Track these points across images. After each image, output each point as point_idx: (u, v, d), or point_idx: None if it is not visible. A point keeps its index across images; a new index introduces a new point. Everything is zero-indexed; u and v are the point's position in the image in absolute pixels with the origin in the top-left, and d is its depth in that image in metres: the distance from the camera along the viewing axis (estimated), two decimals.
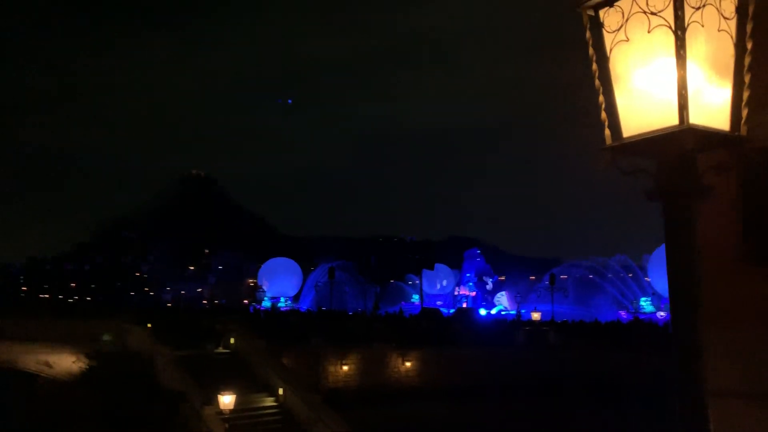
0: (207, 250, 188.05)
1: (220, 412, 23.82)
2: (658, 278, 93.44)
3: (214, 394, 24.38)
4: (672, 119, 2.01)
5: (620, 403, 36.64)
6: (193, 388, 26.79)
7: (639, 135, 2.13)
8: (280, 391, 29.23)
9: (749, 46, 2.12)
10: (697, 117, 2.01)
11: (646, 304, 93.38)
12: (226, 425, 23.68)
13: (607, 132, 2.23)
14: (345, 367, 39.72)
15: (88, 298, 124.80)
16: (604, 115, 2.23)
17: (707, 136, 2.05)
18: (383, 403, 35.99)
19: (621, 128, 2.19)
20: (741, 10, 2.12)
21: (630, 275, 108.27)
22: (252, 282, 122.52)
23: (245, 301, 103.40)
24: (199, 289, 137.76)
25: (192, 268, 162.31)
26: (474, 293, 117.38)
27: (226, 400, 23.19)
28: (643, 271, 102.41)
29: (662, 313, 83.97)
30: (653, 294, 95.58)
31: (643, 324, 62.97)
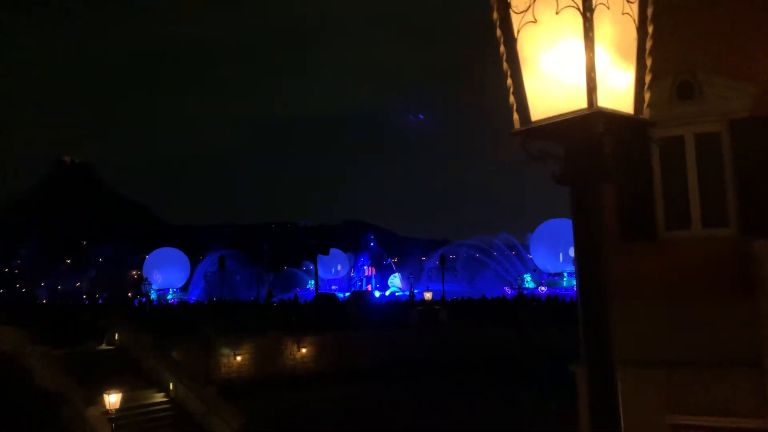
0: (84, 242, 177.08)
1: (106, 412, 22.57)
2: (539, 255, 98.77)
3: (98, 393, 23.05)
4: (581, 102, 1.99)
5: (510, 375, 38.44)
6: (74, 389, 25.22)
7: (548, 119, 2.09)
8: (171, 386, 28.20)
9: (650, 30, 2.14)
10: (605, 100, 2.00)
11: (528, 279, 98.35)
12: (113, 425, 22.50)
13: (516, 116, 2.19)
14: (239, 358, 38.89)
15: None
16: (512, 98, 2.18)
17: (614, 120, 2.05)
18: (279, 390, 35.67)
19: (529, 112, 2.16)
20: None
21: (513, 253, 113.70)
22: (136, 274, 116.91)
23: (130, 295, 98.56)
24: (78, 284, 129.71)
25: (69, 261, 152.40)
26: (373, 270, 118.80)
27: (112, 399, 22.01)
28: (526, 248, 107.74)
29: (543, 288, 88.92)
30: (534, 270, 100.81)
31: (527, 298, 66.38)
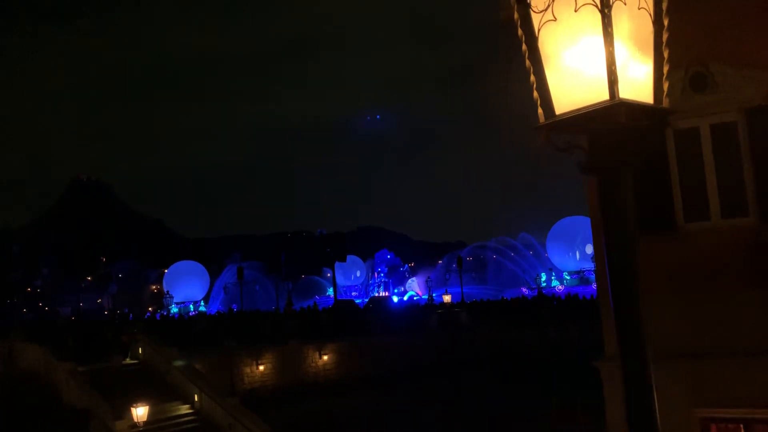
0: (104, 259, 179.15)
1: (134, 425, 22.86)
2: (556, 253, 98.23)
3: (126, 407, 23.35)
4: (603, 95, 2.09)
5: (532, 374, 38.28)
6: (101, 404, 25.51)
7: (571, 111, 2.19)
8: (196, 398, 28.43)
9: (666, 22, 2.24)
10: (626, 91, 2.10)
11: (545, 278, 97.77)
12: None
13: (540, 110, 2.28)
14: (261, 367, 39.10)
15: None
16: (536, 94, 2.28)
17: (635, 110, 2.15)
18: (302, 398, 35.82)
19: (553, 106, 2.25)
20: None
21: (531, 252, 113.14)
22: (155, 288, 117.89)
23: (150, 309, 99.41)
24: (99, 300, 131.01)
25: (89, 278, 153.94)
26: (386, 281, 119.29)
27: (140, 412, 22.32)
28: (544, 247, 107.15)
29: (561, 287, 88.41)
30: (550, 269, 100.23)
31: (546, 298, 66.06)
